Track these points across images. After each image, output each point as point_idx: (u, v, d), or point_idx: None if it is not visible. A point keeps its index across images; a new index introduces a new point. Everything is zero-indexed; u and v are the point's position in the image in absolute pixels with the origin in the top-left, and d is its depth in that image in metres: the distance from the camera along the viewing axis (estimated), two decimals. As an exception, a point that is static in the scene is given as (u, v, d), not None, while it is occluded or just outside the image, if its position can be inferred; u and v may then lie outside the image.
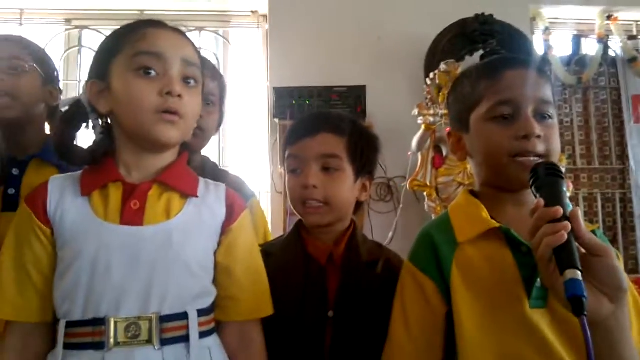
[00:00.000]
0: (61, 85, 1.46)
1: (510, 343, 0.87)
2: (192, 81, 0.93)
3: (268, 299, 1.00)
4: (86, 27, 3.06)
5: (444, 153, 2.48)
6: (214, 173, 1.43)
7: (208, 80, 1.40)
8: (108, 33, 0.98)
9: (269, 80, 2.99)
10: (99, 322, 0.83)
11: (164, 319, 0.85)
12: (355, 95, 2.71)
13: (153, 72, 0.89)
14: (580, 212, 0.79)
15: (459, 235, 0.96)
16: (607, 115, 3.23)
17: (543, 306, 0.88)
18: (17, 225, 0.92)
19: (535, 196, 0.85)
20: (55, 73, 1.40)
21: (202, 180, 0.99)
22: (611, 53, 3.25)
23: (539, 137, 0.91)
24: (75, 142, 0.98)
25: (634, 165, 3.12)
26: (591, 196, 3.13)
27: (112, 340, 0.82)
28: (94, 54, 0.97)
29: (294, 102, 2.74)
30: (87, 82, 0.95)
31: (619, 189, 3.18)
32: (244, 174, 1.96)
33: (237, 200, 1.01)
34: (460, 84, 1.04)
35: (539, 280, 0.87)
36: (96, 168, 0.95)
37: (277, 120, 2.77)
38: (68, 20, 3.11)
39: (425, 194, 2.49)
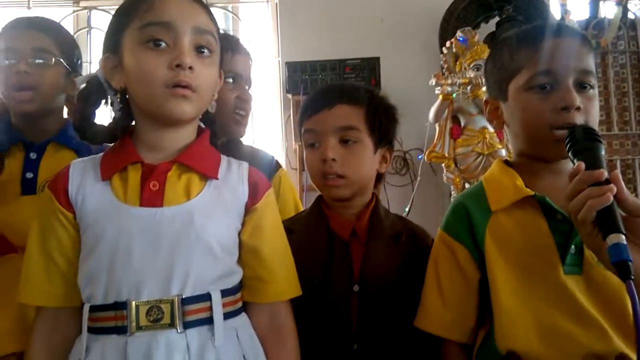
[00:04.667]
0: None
1: (545, 309, 0.87)
2: (205, 50, 0.88)
3: (296, 280, 0.96)
4: (94, 8, 3.04)
5: (462, 123, 2.44)
6: (251, 153, 1.42)
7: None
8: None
9: (279, 56, 2.96)
10: (121, 305, 0.81)
11: (186, 301, 0.82)
12: (369, 68, 2.68)
13: (163, 44, 0.84)
14: (620, 176, 0.77)
15: (493, 204, 0.96)
16: (627, 79, 3.16)
17: (578, 272, 0.88)
18: (41, 210, 0.90)
19: (572, 160, 0.83)
20: (79, 62, 1.36)
21: (224, 159, 0.96)
22: (630, 15, 3.17)
23: (578, 108, 0.88)
24: (94, 120, 0.95)
25: (655, 130, 3.07)
26: (611, 163, 3.08)
27: (134, 324, 0.80)
28: (104, 33, 0.93)
29: (306, 76, 2.71)
30: (102, 56, 0.91)
31: (639, 154, 3.13)
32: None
33: (261, 178, 0.96)
34: (498, 52, 1.01)
35: (573, 246, 0.88)
36: (116, 150, 0.92)
37: (289, 96, 2.75)
38: (76, 2, 3.09)
39: (443, 165, 2.46)
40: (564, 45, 0.92)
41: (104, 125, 0.94)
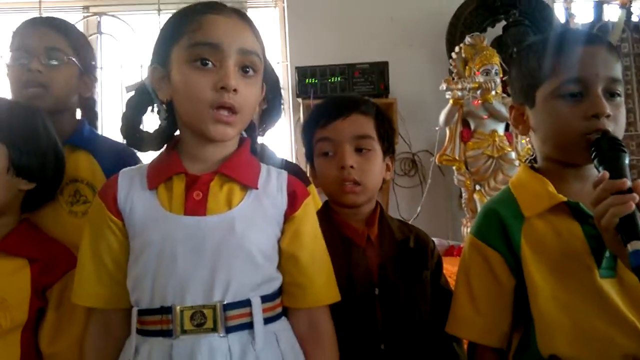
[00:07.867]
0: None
1: (583, 313, 0.88)
2: (250, 70, 0.91)
3: (334, 286, 0.98)
4: (104, 14, 3.06)
5: (472, 127, 2.48)
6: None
7: None
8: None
9: (288, 60, 2.99)
10: (166, 310, 0.84)
11: (227, 307, 0.85)
12: (378, 72, 2.71)
13: (210, 64, 0.87)
14: None
15: (525, 210, 0.96)
16: (632, 81, 3.19)
17: (613, 276, 0.89)
18: (91, 217, 0.95)
19: (597, 168, 0.86)
20: (93, 62, 1.38)
21: (264, 168, 0.99)
22: (634, 18, 3.20)
23: (608, 116, 0.90)
24: (141, 127, 0.99)
25: (660, 131, 3.10)
26: (616, 164, 3.11)
27: (178, 328, 0.84)
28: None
29: (316, 80, 2.74)
30: (150, 65, 0.95)
31: (644, 155, 3.16)
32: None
33: (300, 187, 0.99)
34: (524, 58, 1.01)
35: (608, 250, 0.88)
36: (161, 160, 0.96)
37: (299, 100, 2.77)
38: (86, 7, 3.12)
39: (454, 167, 2.50)
40: (593, 53, 0.93)
41: (149, 133, 0.98)
